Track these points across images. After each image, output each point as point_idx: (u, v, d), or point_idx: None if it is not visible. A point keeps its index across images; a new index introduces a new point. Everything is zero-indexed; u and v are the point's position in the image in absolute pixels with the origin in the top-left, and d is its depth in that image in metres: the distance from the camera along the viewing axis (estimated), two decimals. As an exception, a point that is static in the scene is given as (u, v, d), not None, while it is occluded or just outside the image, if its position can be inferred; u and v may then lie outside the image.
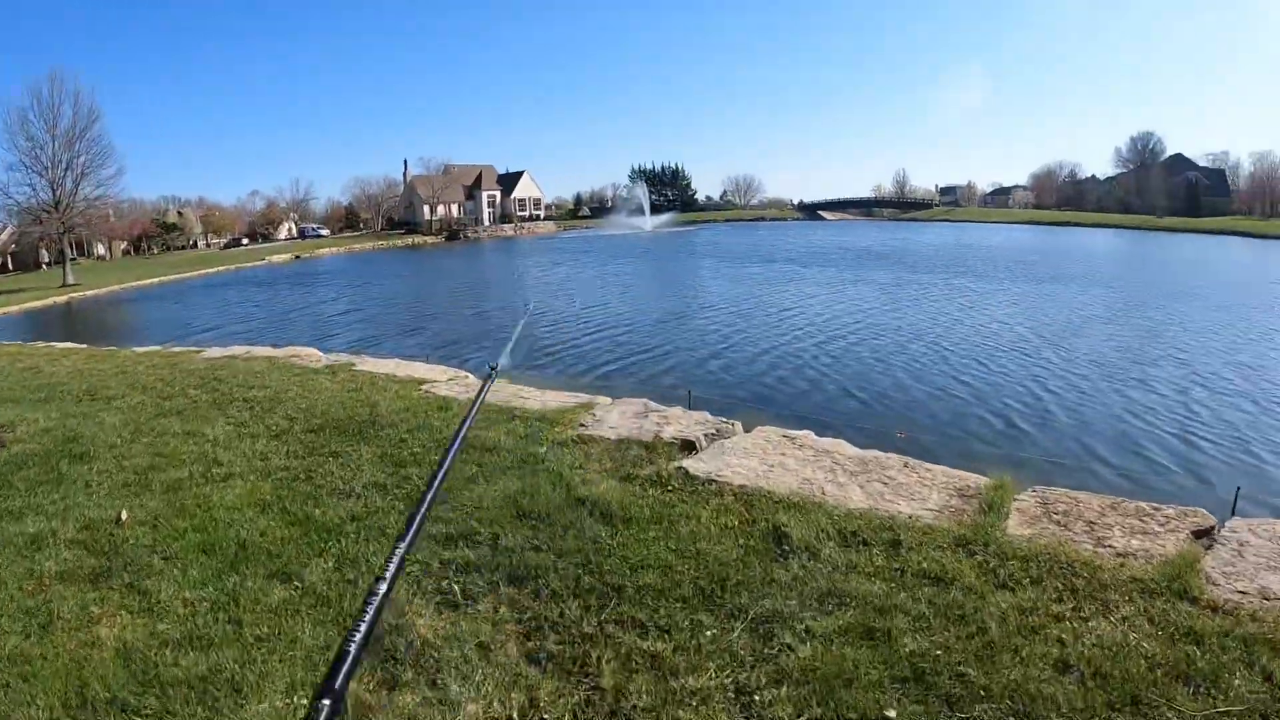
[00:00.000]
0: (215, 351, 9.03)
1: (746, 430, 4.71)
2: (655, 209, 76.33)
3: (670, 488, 3.64)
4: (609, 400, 5.54)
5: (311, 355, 8.28)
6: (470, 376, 6.99)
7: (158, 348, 10.22)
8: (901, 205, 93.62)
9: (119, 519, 3.64)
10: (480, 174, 74.55)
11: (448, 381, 6.58)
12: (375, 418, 5.08)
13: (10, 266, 59.75)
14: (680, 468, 3.86)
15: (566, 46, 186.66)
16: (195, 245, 76.10)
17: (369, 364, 7.47)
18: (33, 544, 3.41)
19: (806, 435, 4.49)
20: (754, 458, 4.05)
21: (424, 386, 6.20)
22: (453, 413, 5.15)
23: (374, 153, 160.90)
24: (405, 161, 76.61)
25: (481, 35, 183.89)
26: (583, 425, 4.80)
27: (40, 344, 12.37)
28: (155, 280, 36.44)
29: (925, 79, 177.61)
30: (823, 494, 3.52)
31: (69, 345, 11.50)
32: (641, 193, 79.23)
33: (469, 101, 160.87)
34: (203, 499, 3.82)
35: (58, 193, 36.09)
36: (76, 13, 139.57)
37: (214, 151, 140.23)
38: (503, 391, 5.84)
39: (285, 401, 5.77)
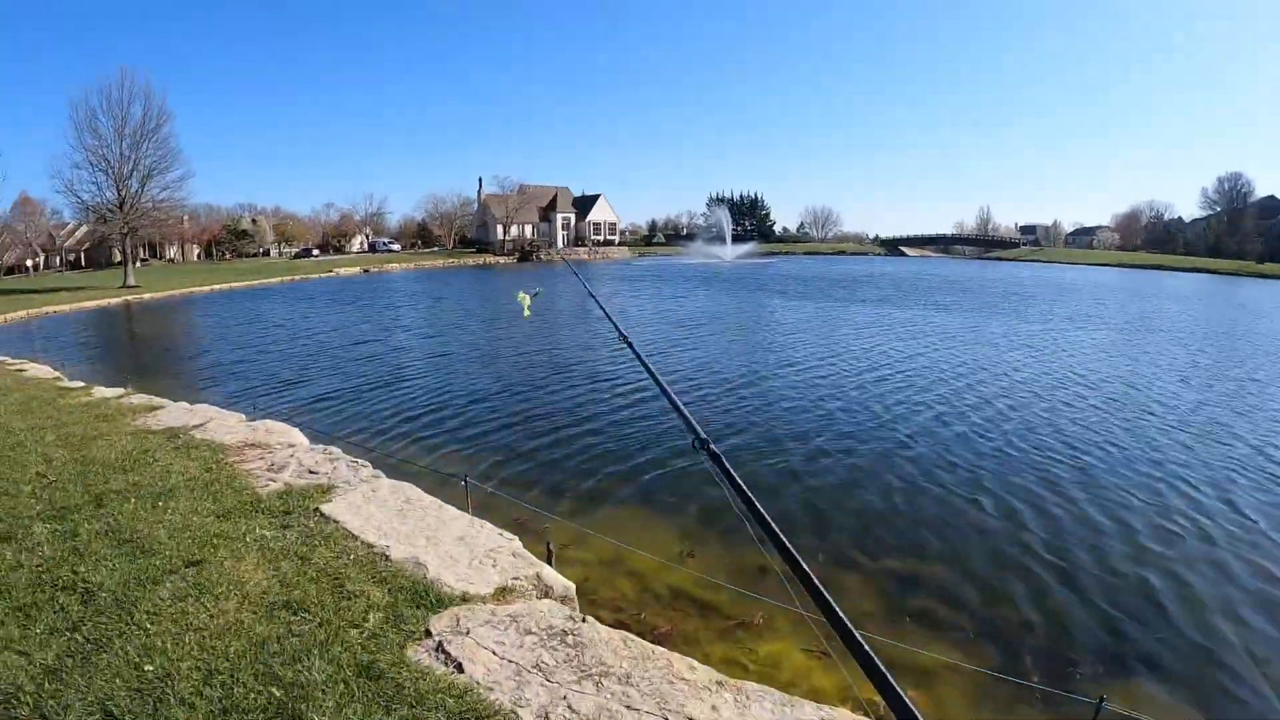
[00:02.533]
0: (167, 416, 6.83)
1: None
2: (734, 239, 74.26)
3: None
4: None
5: (281, 446, 5.83)
6: (561, 596, 3.51)
7: (121, 391, 8.29)
8: (985, 243, 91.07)
9: None
10: (555, 195, 72.90)
11: (495, 607, 3.20)
12: None
13: (84, 264, 61.66)
14: None
15: (644, 73, 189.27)
16: (267, 253, 77.84)
17: (361, 492, 4.65)
18: None
19: None
20: None
21: (447, 645, 2.81)
22: None
23: (449, 170, 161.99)
24: (480, 180, 73.79)
25: (560, 58, 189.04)
26: None
27: (10, 363, 10.57)
28: (209, 288, 36.27)
29: (1009, 114, 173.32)
30: None
31: (36, 374, 9.44)
32: (724, 220, 76.59)
33: (546, 123, 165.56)
34: None
35: (122, 193, 36.31)
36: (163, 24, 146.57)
37: (292, 162, 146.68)
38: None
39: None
